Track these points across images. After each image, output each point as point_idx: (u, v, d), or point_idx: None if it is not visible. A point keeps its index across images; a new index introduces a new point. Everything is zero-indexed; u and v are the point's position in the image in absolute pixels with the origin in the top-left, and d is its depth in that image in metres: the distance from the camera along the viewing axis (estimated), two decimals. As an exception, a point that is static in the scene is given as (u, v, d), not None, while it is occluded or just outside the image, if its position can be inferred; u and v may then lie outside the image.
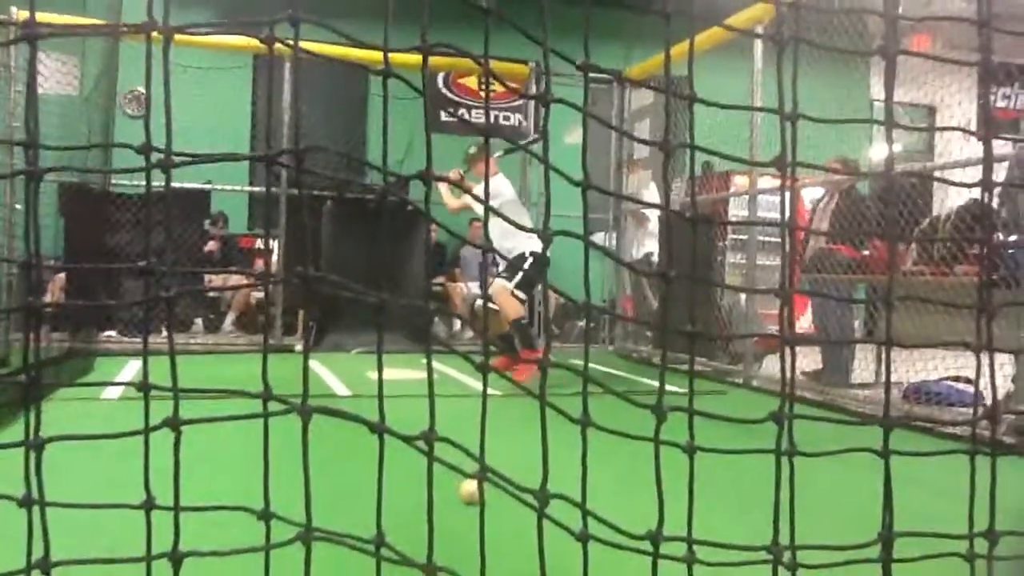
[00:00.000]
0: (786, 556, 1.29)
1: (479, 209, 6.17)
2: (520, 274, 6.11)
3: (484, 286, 5.95)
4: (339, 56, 1.33)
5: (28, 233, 1.18)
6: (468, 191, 1.51)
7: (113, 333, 8.29)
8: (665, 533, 1.26)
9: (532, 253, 6.10)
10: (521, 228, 1.33)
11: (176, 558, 1.20)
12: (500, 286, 6.12)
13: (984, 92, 1.48)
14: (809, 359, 6.86)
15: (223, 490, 2.97)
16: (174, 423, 1.18)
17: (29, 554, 1.17)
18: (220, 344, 8.44)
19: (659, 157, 9.32)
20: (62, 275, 8.31)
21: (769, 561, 1.29)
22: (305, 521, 1.24)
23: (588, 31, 1.25)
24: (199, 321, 9.31)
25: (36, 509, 1.16)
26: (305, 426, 1.22)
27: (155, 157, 1.18)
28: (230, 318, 9.42)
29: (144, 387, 1.18)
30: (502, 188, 6.34)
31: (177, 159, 1.18)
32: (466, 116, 11.35)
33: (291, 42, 1.20)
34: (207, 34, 7.50)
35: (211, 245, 9.39)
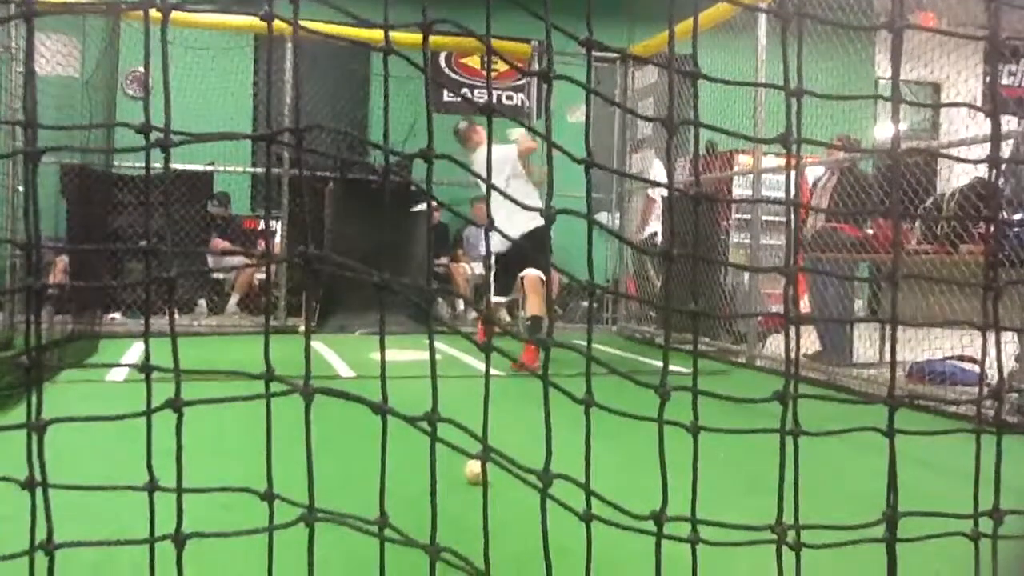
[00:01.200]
0: (790, 536, 1.29)
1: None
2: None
3: (488, 266, 5.94)
4: (339, 34, 1.31)
5: (27, 214, 1.17)
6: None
7: (117, 315, 8.30)
8: (669, 513, 1.26)
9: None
10: (526, 208, 1.31)
11: (179, 540, 1.20)
12: (536, 276, 6.03)
13: (992, 68, 1.47)
14: (808, 341, 6.86)
15: (226, 472, 2.98)
16: (176, 404, 1.17)
17: (32, 536, 1.17)
18: (224, 325, 8.45)
19: (663, 136, 9.26)
20: (64, 257, 8.31)
21: (773, 541, 1.29)
22: (308, 502, 1.24)
23: (591, 7, 1.23)
24: (203, 303, 9.31)
25: (39, 491, 1.16)
26: (307, 406, 1.21)
27: (155, 136, 1.17)
28: (233, 300, 9.43)
29: (146, 368, 1.18)
30: (510, 157, 6.28)
31: (177, 138, 1.17)
32: (468, 96, 11.31)
33: (290, 19, 1.18)
34: (206, 11, 7.46)
35: (216, 242, 9.35)
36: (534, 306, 6.10)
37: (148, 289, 1.21)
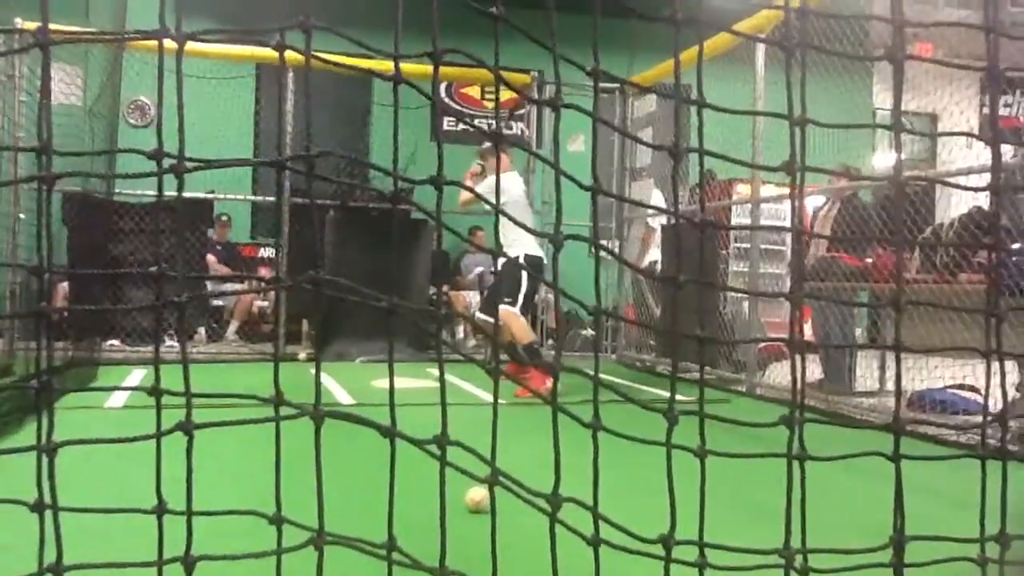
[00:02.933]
0: (798, 560, 1.29)
1: (487, 205, 6.15)
2: (521, 297, 6.15)
3: (493, 292, 6.02)
4: (347, 64, 1.34)
5: (40, 238, 1.18)
6: (471, 190, 1.52)
7: (117, 342, 8.29)
8: (677, 537, 1.26)
9: (527, 256, 6.08)
10: (530, 231, 1.33)
11: (189, 562, 1.20)
12: (507, 313, 6.14)
13: (992, 96, 1.49)
14: (810, 369, 6.85)
15: (229, 498, 2.96)
16: (187, 427, 1.18)
17: (41, 559, 1.17)
18: (223, 353, 8.44)
19: (662, 165, 9.25)
20: (65, 284, 8.32)
21: (781, 565, 1.29)
22: (317, 526, 1.24)
23: (596, 37, 1.25)
24: (202, 330, 9.31)
25: (48, 514, 1.16)
26: (317, 430, 1.22)
27: (167, 163, 1.19)
28: (232, 327, 9.43)
29: (156, 391, 1.19)
30: (510, 186, 6.33)
31: (189, 164, 1.19)
32: (469, 124, 11.38)
33: (300, 49, 1.20)
34: (218, 41, 7.52)
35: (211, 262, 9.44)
36: (522, 336, 6.18)
37: (158, 314, 1.22)
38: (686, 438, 1.30)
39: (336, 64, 1.35)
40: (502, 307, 6.16)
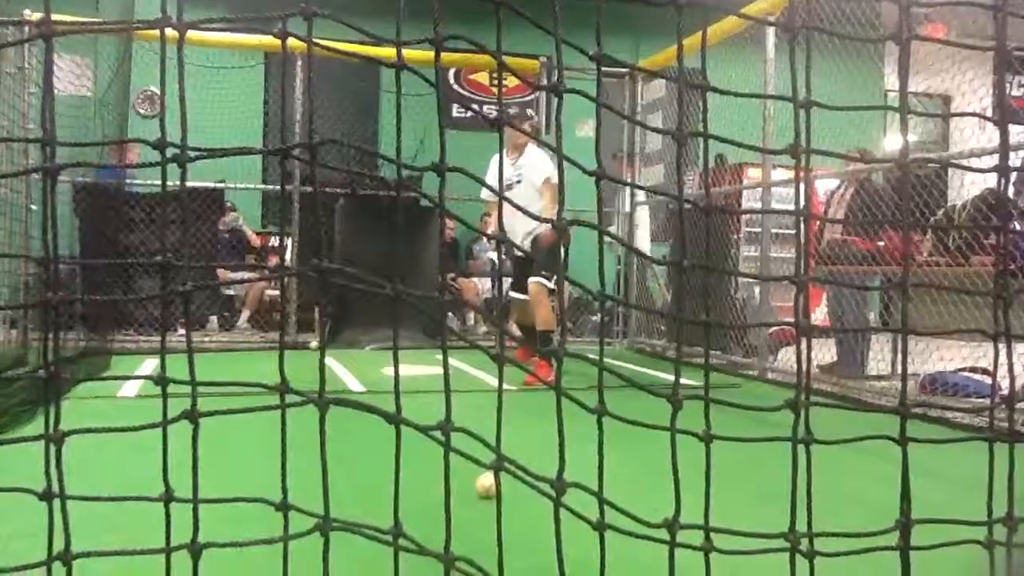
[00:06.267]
0: (803, 544, 1.29)
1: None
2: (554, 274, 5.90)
3: (499, 278, 6.00)
4: (351, 51, 1.34)
5: (46, 229, 1.19)
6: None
7: (130, 332, 8.33)
8: (682, 522, 1.26)
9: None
10: (535, 218, 1.32)
11: (195, 549, 1.21)
12: (538, 288, 5.97)
13: (1000, 77, 1.47)
14: (823, 352, 6.84)
15: (237, 486, 2.98)
16: (192, 415, 1.18)
17: (50, 547, 1.18)
18: (235, 342, 8.47)
19: (671, 151, 9.23)
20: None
21: (787, 549, 1.29)
22: (323, 512, 1.25)
23: (600, 21, 1.25)
24: (213, 319, 9.35)
25: (56, 502, 1.17)
26: (322, 416, 1.22)
27: (171, 152, 1.19)
28: (244, 316, 9.46)
29: (162, 380, 1.19)
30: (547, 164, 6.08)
31: (192, 153, 1.19)
32: (478, 110, 11.36)
33: (304, 37, 1.20)
34: (221, 29, 7.52)
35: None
36: (541, 320, 6.07)
37: (164, 302, 1.23)
38: (696, 423, 1.29)
39: (340, 52, 1.35)
40: (534, 279, 5.96)
